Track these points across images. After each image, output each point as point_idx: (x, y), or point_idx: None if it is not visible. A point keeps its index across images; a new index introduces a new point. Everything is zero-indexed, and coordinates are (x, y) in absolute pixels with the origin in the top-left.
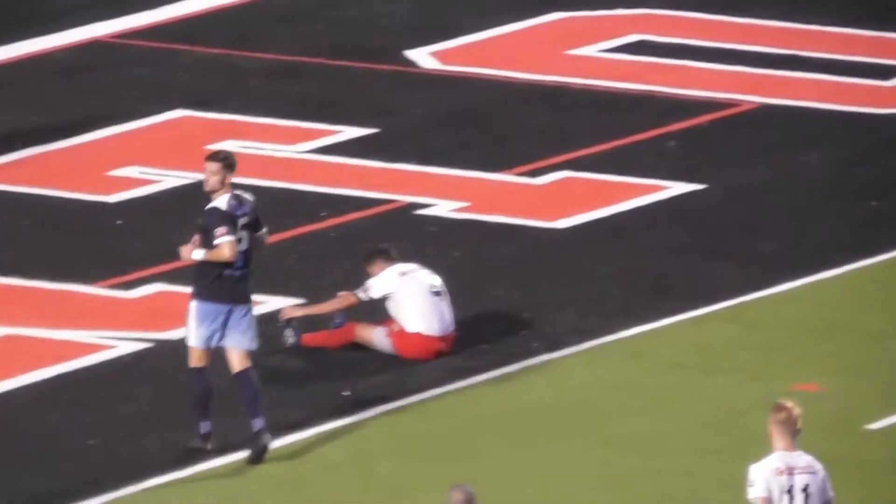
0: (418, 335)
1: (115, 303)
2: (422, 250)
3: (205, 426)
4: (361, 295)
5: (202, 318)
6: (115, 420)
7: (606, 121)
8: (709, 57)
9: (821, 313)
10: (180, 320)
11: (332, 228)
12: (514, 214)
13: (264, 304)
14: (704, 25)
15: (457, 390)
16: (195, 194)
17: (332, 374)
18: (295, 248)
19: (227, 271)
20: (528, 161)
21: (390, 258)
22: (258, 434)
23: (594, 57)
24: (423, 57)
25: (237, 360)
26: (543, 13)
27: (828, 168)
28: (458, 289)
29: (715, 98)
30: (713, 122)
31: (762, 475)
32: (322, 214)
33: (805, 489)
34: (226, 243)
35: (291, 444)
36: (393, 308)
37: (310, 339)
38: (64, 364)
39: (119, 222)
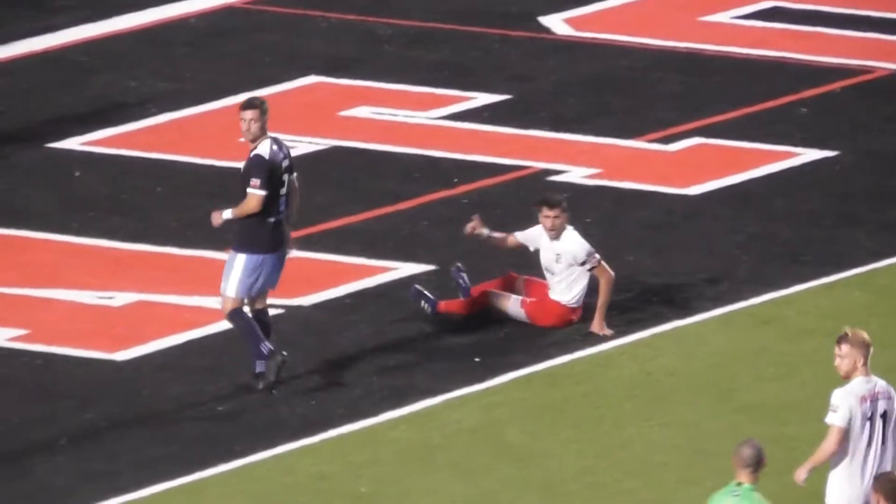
0: (557, 304)
1: None
2: None
3: (265, 346)
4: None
5: (251, 272)
6: (245, 387)
7: (739, 87)
8: (842, 23)
9: None
10: (312, 286)
11: (464, 195)
12: (647, 181)
13: (397, 270)
14: None
15: (587, 356)
16: (328, 160)
17: (462, 340)
18: (426, 215)
19: (273, 218)
20: (661, 128)
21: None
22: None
23: (727, 23)
24: (557, 23)
25: (262, 299)
26: None
27: None
28: None
29: (848, 64)
30: (846, 89)
31: (847, 403)
32: (454, 181)
33: (884, 415)
34: (256, 196)
35: (422, 411)
36: (558, 271)
37: (445, 305)
38: (194, 330)
39: None
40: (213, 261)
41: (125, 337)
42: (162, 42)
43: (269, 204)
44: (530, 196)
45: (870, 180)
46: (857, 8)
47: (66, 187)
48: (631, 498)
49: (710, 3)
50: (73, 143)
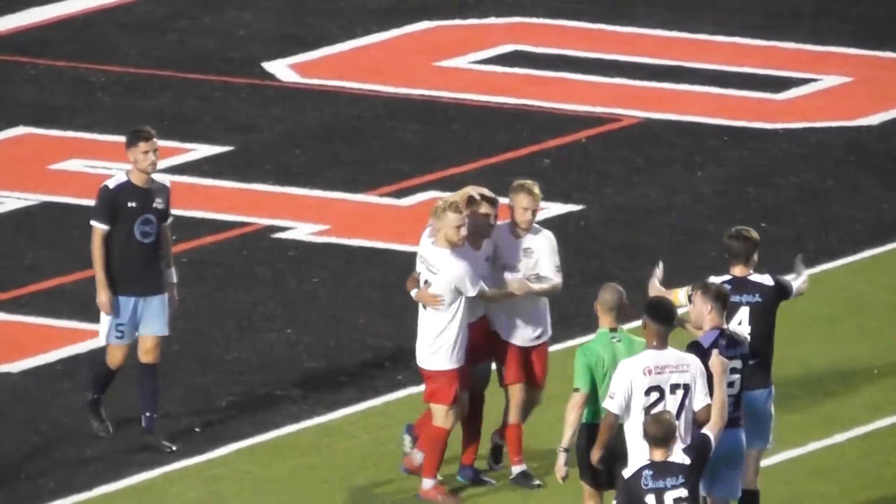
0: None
1: None
2: (280, 275)
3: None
4: None
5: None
6: None
7: (478, 137)
8: (588, 68)
9: None
10: (21, 351)
11: (183, 253)
12: (378, 238)
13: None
14: (583, 35)
15: (315, 426)
16: (39, 217)
17: (181, 409)
18: None
19: None
20: (394, 180)
21: None
22: None
23: (465, 69)
24: (282, 69)
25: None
26: (411, 22)
27: (714, 186)
28: (317, 316)
29: (594, 112)
30: (592, 139)
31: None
32: (172, 238)
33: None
34: None
35: (139, 485)
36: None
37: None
38: None
39: None
40: None
41: None
42: None
43: None
44: (253, 255)
45: (618, 236)
46: (603, 52)
47: None
48: None
49: (446, 47)
50: None
